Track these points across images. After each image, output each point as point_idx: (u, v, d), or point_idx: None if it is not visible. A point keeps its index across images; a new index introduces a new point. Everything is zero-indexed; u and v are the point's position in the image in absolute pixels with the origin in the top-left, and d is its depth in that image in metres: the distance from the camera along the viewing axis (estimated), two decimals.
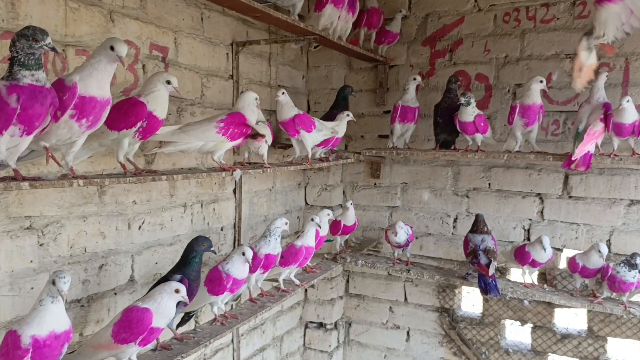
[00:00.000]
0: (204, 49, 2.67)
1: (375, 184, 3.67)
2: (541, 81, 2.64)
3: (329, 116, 3.12)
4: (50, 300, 1.34)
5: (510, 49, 3.18)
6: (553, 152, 2.92)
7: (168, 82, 1.66)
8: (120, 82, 2.17)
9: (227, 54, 2.85)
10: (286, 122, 2.52)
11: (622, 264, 2.48)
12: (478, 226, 2.77)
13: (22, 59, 1.25)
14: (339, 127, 2.77)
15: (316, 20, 2.76)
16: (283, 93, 2.53)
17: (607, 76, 2.62)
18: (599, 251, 2.54)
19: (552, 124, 3.09)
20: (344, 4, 2.77)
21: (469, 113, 2.73)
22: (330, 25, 2.84)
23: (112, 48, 1.43)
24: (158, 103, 1.66)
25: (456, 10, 3.32)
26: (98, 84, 1.42)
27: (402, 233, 2.89)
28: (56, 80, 1.39)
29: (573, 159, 2.49)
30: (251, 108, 2.17)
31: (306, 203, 3.75)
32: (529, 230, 3.18)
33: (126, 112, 1.61)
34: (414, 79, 3.05)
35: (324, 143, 2.77)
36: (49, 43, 1.28)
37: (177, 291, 1.64)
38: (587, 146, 2.47)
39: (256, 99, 2.20)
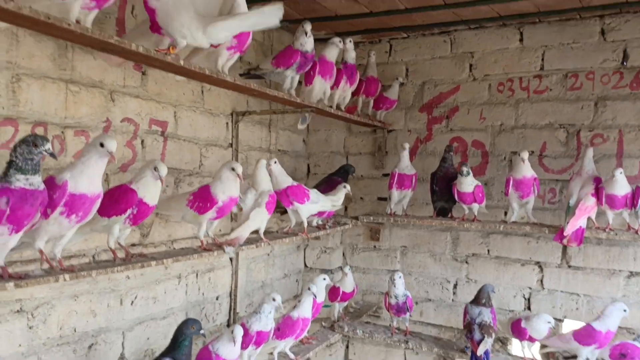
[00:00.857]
0: (204, 120, 2.74)
1: (374, 246, 3.67)
2: (528, 155, 2.69)
3: (328, 182, 3.17)
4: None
5: (505, 117, 3.24)
6: (550, 221, 2.94)
7: (155, 169, 1.70)
8: (118, 159, 2.21)
9: (227, 123, 2.92)
10: (279, 193, 2.55)
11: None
12: (479, 298, 2.74)
13: (20, 164, 1.31)
14: (337, 200, 2.79)
15: (309, 94, 2.83)
16: (275, 162, 2.57)
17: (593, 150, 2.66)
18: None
19: (548, 192, 3.10)
20: (331, 76, 2.84)
21: (468, 183, 2.75)
22: (324, 95, 2.90)
23: (102, 145, 1.48)
24: (148, 190, 1.70)
25: (452, 79, 3.40)
26: (89, 180, 1.46)
27: (400, 284, 2.85)
28: (47, 178, 1.43)
29: (565, 234, 2.49)
30: (228, 179, 2.05)
31: (305, 266, 3.74)
32: (529, 299, 3.15)
33: (117, 199, 1.64)
34: (402, 146, 3.09)
35: (320, 213, 2.79)
36: (48, 149, 1.34)
37: None
38: (579, 221, 2.48)
39: (233, 169, 2.05)
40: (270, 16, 1.91)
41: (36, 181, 1.32)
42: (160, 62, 1.74)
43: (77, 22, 1.47)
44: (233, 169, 2.05)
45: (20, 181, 1.30)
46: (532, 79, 3.15)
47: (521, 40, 3.19)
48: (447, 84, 3.42)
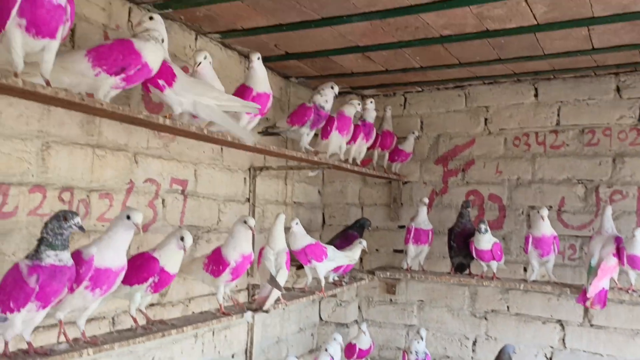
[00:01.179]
0: (223, 176, 2.78)
1: (391, 299, 3.63)
2: (547, 212, 2.68)
3: (344, 236, 3.17)
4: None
5: (522, 172, 3.24)
6: (571, 278, 2.91)
7: (182, 239, 1.72)
8: None
9: (245, 178, 2.96)
10: (298, 252, 2.55)
11: None
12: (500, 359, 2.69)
13: (50, 240, 1.34)
14: (353, 254, 2.79)
15: (325, 147, 2.86)
16: (297, 223, 2.58)
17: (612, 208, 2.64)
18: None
19: (568, 248, 3.07)
20: (348, 131, 2.88)
21: (486, 240, 2.74)
22: (339, 149, 2.93)
23: (128, 217, 1.51)
24: (170, 258, 1.72)
25: (467, 133, 3.43)
26: (115, 253, 1.49)
27: (422, 346, 2.83)
28: (74, 252, 1.45)
29: (588, 296, 2.45)
30: (240, 234, 2.05)
31: (320, 319, 3.70)
32: (551, 358, 3.07)
33: (139, 268, 1.66)
34: (421, 201, 3.10)
35: (336, 268, 2.78)
36: (78, 222, 1.37)
37: None
38: (602, 282, 2.44)
39: (245, 222, 2.05)
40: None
41: (65, 257, 1.35)
42: (186, 132, 1.79)
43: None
44: (245, 222, 2.06)
45: (50, 257, 1.32)
46: (548, 134, 3.17)
47: (536, 95, 3.22)
48: (462, 137, 3.45)
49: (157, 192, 2.34)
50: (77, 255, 1.44)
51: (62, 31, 1.36)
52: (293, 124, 2.62)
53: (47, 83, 1.32)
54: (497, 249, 2.75)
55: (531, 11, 2.12)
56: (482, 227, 2.73)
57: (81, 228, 1.38)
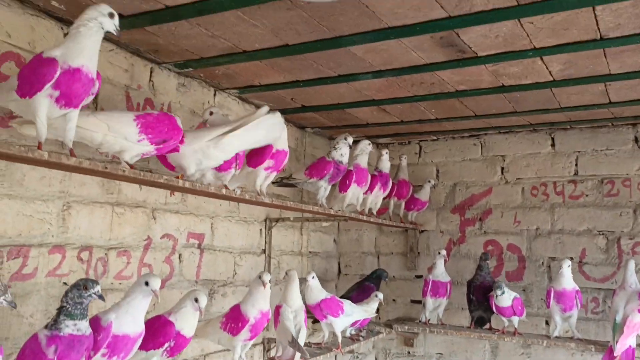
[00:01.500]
0: (239, 229, 2.78)
1: (409, 352, 3.54)
2: (569, 266, 2.62)
3: (361, 288, 3.13)
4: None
5: (541, 222, 3.20)
6: (594, 332, 2.83)
7: (196, 300, 1.71)
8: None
9: (261, 229, 2.95)
10: (313, 307, 2.51)
11: None
12: None
13: (70, 309, 1.34)
14: (370, 308, 2.75)
15: (342, 200, 2.86)
16: (313, 277, 2.55)
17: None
18: None
19: (591, 301, 2.99)
20: (366, 182, 2.88)
21: (506, 299, 2.68)
22: (356, 200, 2.92)
23: (146, 283, 1.51)
24: (186, 321, 1.71)
25: (483, 182, 3.41)
26: (133, 319, 1.48)
27: None
28: (93, 318, 1.45)
29: (615, 354, 2.37)
30: (257, 291, 2.04)
31: None
32: None
33: (155, 332, 1.64)
34: (439, 253, 3.06)
35: (353, 323, 2.73)
36: (98, 291, 1.37)
37: None
38: (628, 339, 2.37)
39: (259, 277, 2.05)
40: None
41: (84, 326, 1.34)
42: (206, 192, 1.80)
43: (129, 164, 1.55)
44: (259, 277, 2.06)
45: (69, 327, 1.32)
46: (566, 184, 3.14)
47: (553, 145, 3.21)
48: (478, 186, 3.43)
49: (174, 247, 2.34)
50: (95, 321, 1.43)
51: (86, 101, 1.40)
52: (311, 177, 2.63)
53: (72, 153, 1.35)
54: (517, 304, 2.69)
55: (547, 69, 2.14)
56: (499, 291, 2.68)
57: (101, 297, 1.38)
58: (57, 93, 1.31)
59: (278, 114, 2.05)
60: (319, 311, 2.51)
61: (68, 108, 1.36)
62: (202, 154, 1.79)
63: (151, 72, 2.23)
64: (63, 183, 1.83)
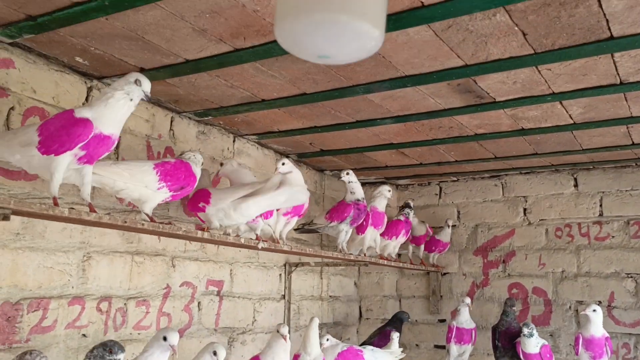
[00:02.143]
0: (258, 274, 2.75)
1: None
2: (594, 310, 2.52)
3: (382, 334, 3.06)
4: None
5: (567, 264, 3.11)
6: None
7: (214, 353, 1.69)
8: (175, 324, 2.22)
9: (280, 274, 2.93)
10: None
11: None
12: None
13: None
14: (394, 351, 2.68)
15: (360, 242, 2.83)
16: (328, 339, 2.44)
17: None
18: None
19: (622, 347, 2.87)
20: (382, 225, 2.85)
21: (533, 344, 2.59)
22: (374, 242, 2.89)
23: (165, 338, 1.50)
24: None
25: (506, 223, 3.35)
26: None
27: None
28: None
29: None
30: (277, 344, 2.00)
31: None
32: None
33: None
34: (463, 301, 2.99)
35: None
36: (121, 359, 1.37)
37: None
38: None
39: (278, 330, 2.02)
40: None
41: None
42: (224, 242, 1.80)
43: (149, 216, 1.56)
44: (278, 331, 2.03)
45: None
46: (591, 225, 3.07)
47: (576, 185, 3.15)
48: (501, 227, 3.37)
49: (193, 295, 2.32)
50: None
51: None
52: (332, 220, 2.63)
53: (91, 208, 1.36)
54: (545, 351, 2.59)
55: (567, 112, 2.12)
56: (526, 330, 2.59)
57: None
58: (82, 153, 1.34)
59: (300, 179, 2.07)
60: None
61: (86, 165, 1.38)
62: (223, 214, 1.83)
63: (171, 121, 2.27)
64: (84, 234, 1.85)
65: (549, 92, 1.92)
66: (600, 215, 3.06)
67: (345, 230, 2.65)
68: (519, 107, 2.08)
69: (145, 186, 1.60)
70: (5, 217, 1.12)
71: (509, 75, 1.78)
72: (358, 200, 2.60)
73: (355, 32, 0.76)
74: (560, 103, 2.03)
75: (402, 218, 2.97)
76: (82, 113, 1.35)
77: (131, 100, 1.42)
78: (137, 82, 1.43)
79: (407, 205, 3.06)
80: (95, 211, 1.34)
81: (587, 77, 1.78)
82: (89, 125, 1.32)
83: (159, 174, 1.62)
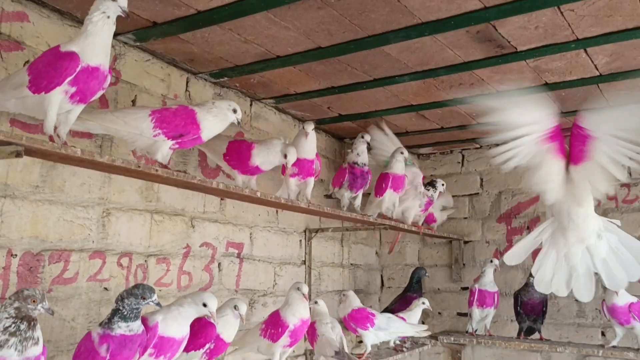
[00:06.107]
0: (278, 239, 2.76)
1: None
2: None
3: (403, 299, 3.04)
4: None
5: None
6: None
7: (236, 307, 1.70)
8: (196, 283, 2.24)
9: (300, 240, 2.93)
10: (344, 320, 2.44)
11: None
12: None
13: (125, 313, 1.36)
14: (413, 318, 2.65)
15: (378, 204, 2.79)
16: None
17: None
18: None
19: None
20: (402, 188, 2.80)
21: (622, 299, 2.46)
22: (393, 206, 2.85)
23: (204, 305, 1.54)
24: (227, 327, 1.70)
25: (530, 189, 3.27)
26: (179, 326, 1.50)
27: None
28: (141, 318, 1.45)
29: None
30: (296, 300, 2.02)
31: None
32: None
33: (196, 333, 1.63)
34: (491, 261, 2.94)
35: None
36: (155, 299, 1.39)
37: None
38: None
39: (299, 288, 2.04)
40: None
41: (135, 326, 1.37)
42: (239, 195, 1.79)
43: (162, 165, 1.57)
44: (298, 289, 2.03)
45: (121, 328, 1.35)
46: (619, 188, 2.98)
47: None
48: (525, 193, 3.30)
49: (213, 256, 2.34)
50: (142, 322, 1.44)
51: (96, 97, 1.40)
52: (334, 186, 2.69)
53: (65, 144, 1.33)
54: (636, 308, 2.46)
55: (592, 62, 2.05)
56: None
57: (158, 304, 1.40)
58: (73, 89, 1.30)
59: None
60: (347, 324, 2.44)
61: (79, 104, 1.36)
62: None
63: (187, 82, 2.27)
64: (102, 190, 1.87)
65: (572, 39, 1.85)
66: (629, 176, 2.96)
67: (345, 196, 2.66)
68: (541, 57, 2.01)
69: (139, 133, 1.56)
70: (19, 154, 1.12)
71: (530, 18, 1.72)
72: (355, 162, 2.57)
73: None
74: (585, 51, 1.96)
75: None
76: (68, 47, 1.31)
77: (108, 17, 1.35)
78: None
79: (431, 184, 2.99)
80: (68, 145, 1.30)
81: (612, 19, 1.71)
82: (75, 57, 1.28)
83: (153, 120, 1.57)
